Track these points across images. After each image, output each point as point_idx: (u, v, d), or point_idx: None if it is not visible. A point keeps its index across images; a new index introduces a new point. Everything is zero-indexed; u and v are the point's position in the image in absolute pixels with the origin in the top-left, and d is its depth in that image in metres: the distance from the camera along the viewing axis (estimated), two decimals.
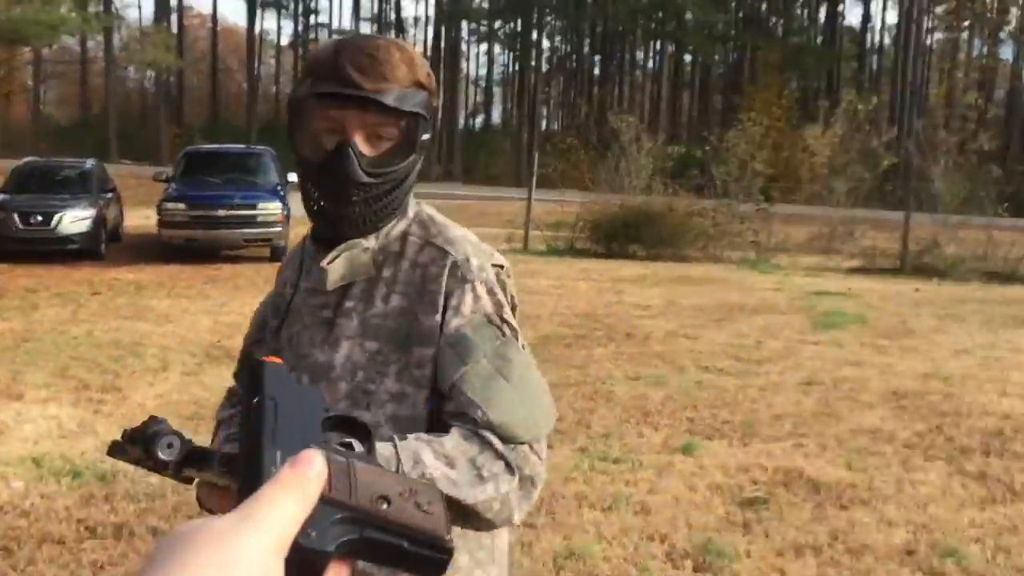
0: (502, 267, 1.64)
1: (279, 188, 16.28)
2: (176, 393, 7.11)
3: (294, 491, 0.61)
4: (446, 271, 1.54)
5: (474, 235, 1.65)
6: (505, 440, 1.44)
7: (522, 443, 1.46)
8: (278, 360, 0.78)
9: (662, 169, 19.16)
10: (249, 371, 0.78)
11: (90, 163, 17.75)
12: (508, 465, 1.43)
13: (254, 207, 15.38)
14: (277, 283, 1.77)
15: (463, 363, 1.48)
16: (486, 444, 1.43)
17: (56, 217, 15.13)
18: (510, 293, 1.65)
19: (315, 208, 1.58)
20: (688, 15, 56.53)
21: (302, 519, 0.60)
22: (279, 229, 15.46)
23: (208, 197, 15.45)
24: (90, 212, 15.65)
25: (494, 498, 1.41)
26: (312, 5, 70.75)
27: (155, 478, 5.03)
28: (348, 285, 1.57)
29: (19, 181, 16.43)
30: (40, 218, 15.05)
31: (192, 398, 6.96)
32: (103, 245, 15.97)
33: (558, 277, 14.53)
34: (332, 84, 1.47)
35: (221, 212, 15.27)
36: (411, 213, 1.63)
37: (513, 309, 1.63)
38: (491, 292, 1.55)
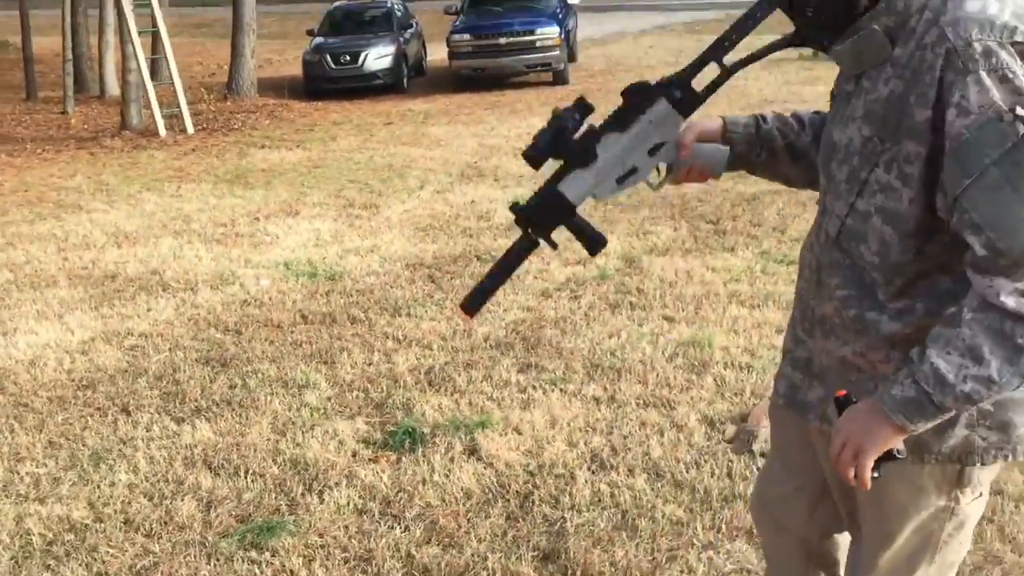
0: None
1: (558, 12, 16.51)
2: (420, 208, 7.91)
3: None
4: (941, 59, 1.33)
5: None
6: (1017, 270, 1.29)
7: None
8: None
9: None
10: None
11: (392, 2, 19.00)
12: None
13: (533, 32, 15.78)
14: None
15: (966, 175, 1.31)
16: (996, 313, 1.30)
17: (362, 55, 16.57)
18: None
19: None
20: None
21: None
22: (557, 53, 15.80)
23: (490, 26, 16.09)
24: (391, 49, 16.93)
25: None
26: None
27: (372, 278, 5.84)
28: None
29: (331, 24, 18.12)
30: (348, 57, 16.57)
31: (431, 213, 7.72)
32: (405, 79, 17.28)
33: None
34: None
35: (502, 40, 15.86)
36: None
37: None
38: (1004, 80, 1.30)
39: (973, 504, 1.58)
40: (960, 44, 1.32)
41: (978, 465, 1.51)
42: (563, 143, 1.70)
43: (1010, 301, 1.29)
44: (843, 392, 1.49)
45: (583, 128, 1.72)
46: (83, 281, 6.25)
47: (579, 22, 20.40)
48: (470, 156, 10.35)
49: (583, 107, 1.71)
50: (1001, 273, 1.29)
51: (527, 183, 8.51)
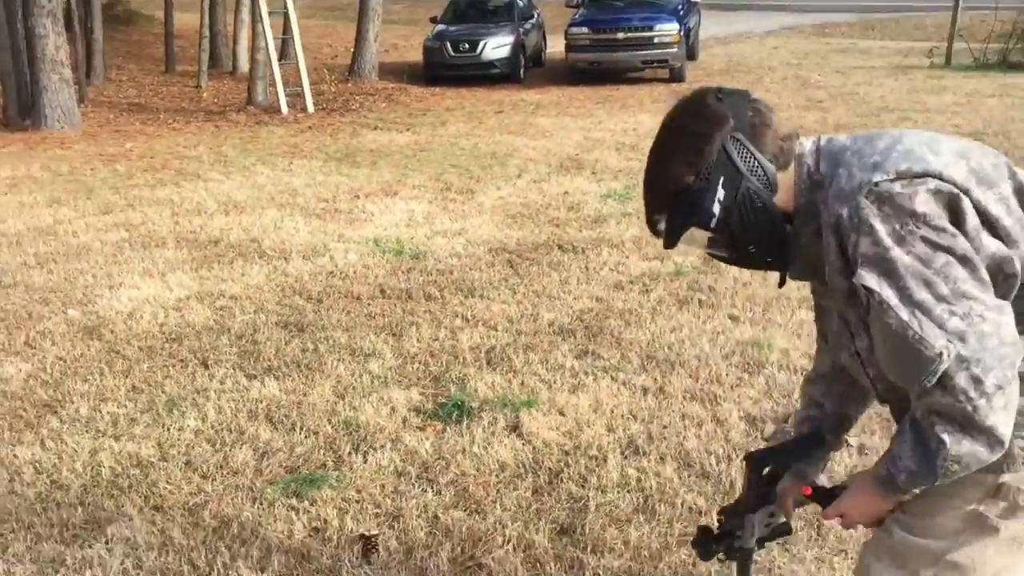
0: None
1: (679, 9, 16.38)
2: (514, 196, 8.07)
3: None
4: (832, 235, 1.56)
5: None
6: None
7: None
8: None
9: None
10: None
11: None
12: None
13: (651, 28, 15.71)
14: None
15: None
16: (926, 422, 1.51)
17: (480, 44, 16.84)
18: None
19: None
20: None
21: None
22: (675, 50, 15.67)
23: (609, 20, 16.09)
24: (510, 39, 17.14)
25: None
26: None
27: (454, 259, 6.04)
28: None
29: (454, 12, 18.46)
30: (467, 46, 16.87)
31: (523, 201, 7.86)
32: (522, 69, 17.47)
33: (969, 93, 13.06)
34: None
35: (620, 35, 15.85)
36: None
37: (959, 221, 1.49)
38: (868, 234, 1.49)
39: (1007, 522, 1.61)
40: (834, 218, 1.54)
41: (1015, 472, 1.57)
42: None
43: (922, 415, 1.51)
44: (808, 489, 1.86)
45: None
46: (189, 244, 6.66)
47: (704, 20, 20.17)
48: (573, 148, 10.44)
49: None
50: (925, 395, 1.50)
51: (623, 177, 8.56)
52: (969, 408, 1.43)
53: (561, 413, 3.80)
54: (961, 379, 1.42)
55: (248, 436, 3.68)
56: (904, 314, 1.44)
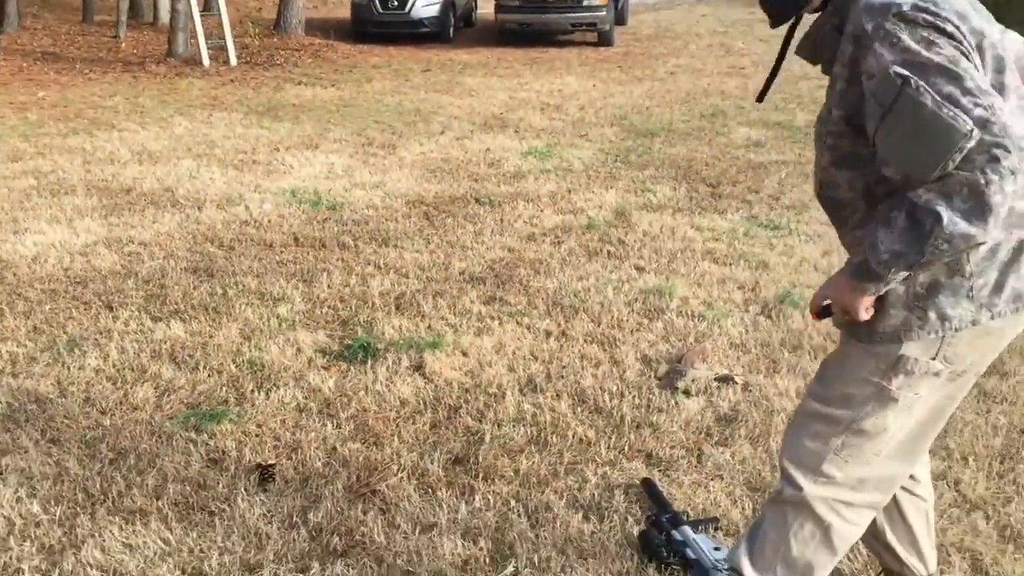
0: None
1: None
2: (435, 152, 8.08)
3: None
4: (851, 45, 1.74)
5: None
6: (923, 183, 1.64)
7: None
8: None
9: None
10: None
11: None
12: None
13: None
14: None
15: (872, 121, 1.69)
16: (910, 204, 1.66)
17: (410, 2, 16.68)
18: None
19: None
20: None
21: None
22: (603, 14, 15.77)
23: None
24: None
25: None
26: None
27: (371, 211, 6.04)
28: None
29: None
30: (396, 3, 16.70)
31: (444, 157, 7.89)
32: (451, 29, 17.38)
33: None
34: None
35: None
36: None
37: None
38: (892, 45, 1.65)
39: (907, 391, 1.85)
40: (859, 30, 1.70)
41: (914, 341, 1.81)
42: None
43: (921, 196, 1.63)
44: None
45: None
46: (100, 192, 6.54)
47: None
48: (498, 108, 10.47)
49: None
50: (915, 187, 1.65)
51: (545, 136, 8.63)
52: (983, 181, 1.57)
53: (464, 354, 3.88)
54: (982, 158, 1.56)
55: (150, 375, 3.68)
56: (939, 96, 1.60)
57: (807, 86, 10.88)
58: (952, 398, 1.92)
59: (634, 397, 3.46)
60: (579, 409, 3.39)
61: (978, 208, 1.58)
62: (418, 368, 3.76)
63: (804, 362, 3.77)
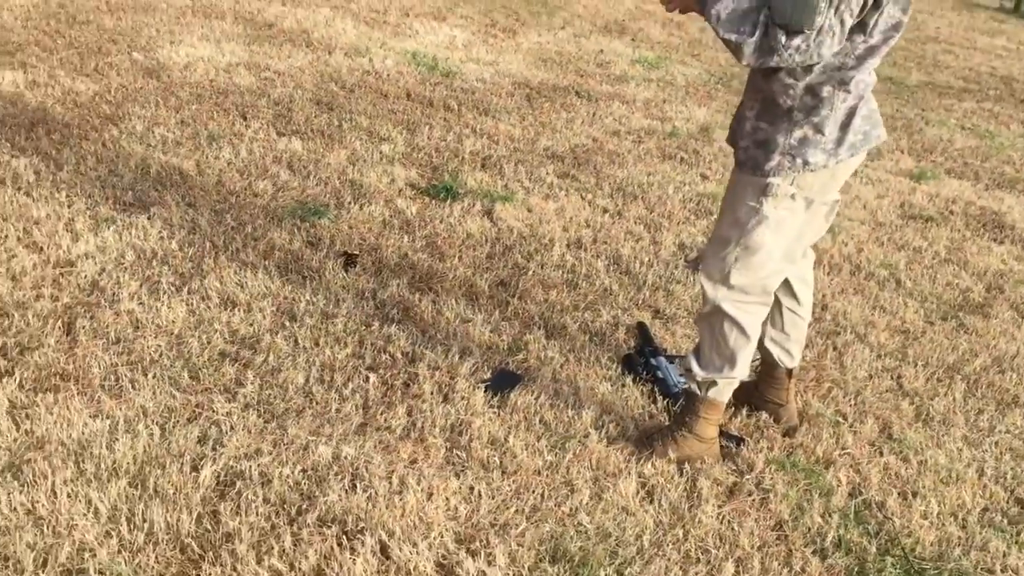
0: None
1: None
2: (552, 44, 8.59)
3: None
4: None
5: None
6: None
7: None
8: None
9: None
10: None
11: None
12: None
13: None
14: None
15: None
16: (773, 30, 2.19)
17: None
18: None
19: None
20: None
21: None
22: None
23: None
24: None
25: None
26: None
27: (479, 84, 6.65)
28: None
29: None
30: None
31: (559, 50, 8.40)
32: None
33: (1022, 41, 13.21)
34: None
35: None
36: None
37: None
38: None
39: (773, 209, 2.47)
40: None
41: (780, 176, 2.42)
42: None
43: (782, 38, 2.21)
44: None
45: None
46: (246, 22, 7.29)
47: None
48: (622, 15, 10.82)
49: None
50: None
51: (660, 48, 9.03)
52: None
53: (529, 210, 4.53)
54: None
55: (271, 174, 4.44)
56: None
57: (932, 48, 10.91)
58: (808, 224, 2.54)
59: (661, 269, 4.07)
60: (612, 268, 4.03)
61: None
62: (488, 213, 4.42)
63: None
